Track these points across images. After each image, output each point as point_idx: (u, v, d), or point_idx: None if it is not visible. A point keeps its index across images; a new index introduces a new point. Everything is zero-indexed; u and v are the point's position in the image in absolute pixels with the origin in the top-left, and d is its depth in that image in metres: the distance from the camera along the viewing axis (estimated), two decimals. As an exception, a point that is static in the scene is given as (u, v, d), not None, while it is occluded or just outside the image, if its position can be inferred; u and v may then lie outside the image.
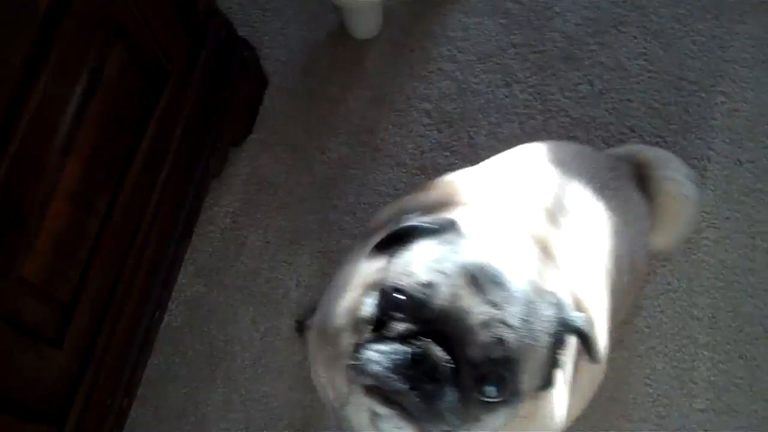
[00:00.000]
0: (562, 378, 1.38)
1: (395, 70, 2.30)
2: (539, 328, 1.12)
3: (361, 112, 2.28)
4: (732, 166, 2.22)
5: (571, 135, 2.24)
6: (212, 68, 2.05)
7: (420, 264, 1.12)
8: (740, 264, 2.16)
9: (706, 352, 2.12)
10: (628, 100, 2.26)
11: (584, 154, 1.68)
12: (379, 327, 1.12)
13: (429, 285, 1.08)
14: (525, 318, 1.09)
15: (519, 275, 1.14)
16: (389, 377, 1.07)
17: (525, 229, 1.39)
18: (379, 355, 1.08)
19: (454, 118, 2.27)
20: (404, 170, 2.24)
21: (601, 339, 1.48)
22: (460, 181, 1.57)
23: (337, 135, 2.27)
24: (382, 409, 1.12)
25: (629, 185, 1.71)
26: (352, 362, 1.12)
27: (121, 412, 2.04)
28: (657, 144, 2.23)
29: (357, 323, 1.21)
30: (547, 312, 1.14)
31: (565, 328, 1.16)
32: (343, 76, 2.31)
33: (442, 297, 1.07)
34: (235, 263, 2.21)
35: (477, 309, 1.06)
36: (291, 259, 2.21)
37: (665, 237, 1.84)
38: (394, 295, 1.10)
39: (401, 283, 1.10)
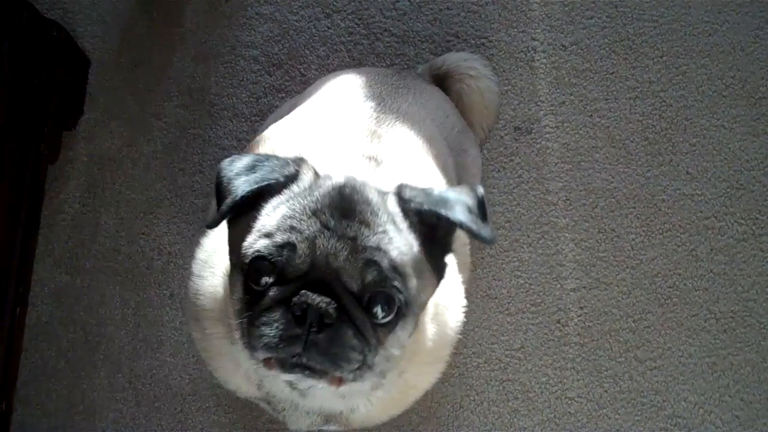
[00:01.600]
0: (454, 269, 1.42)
1: (214, 23, 2.30)
2: (402, 232, 1.16)
3: (189, 72, 2.26)
4: (557, 52, 2.27)
5: (399, 53, 2.26)
6: (21, 54, 2.00)
7: (274, 225, 1.13)
8: (583, 144, 2.22)
9: (567, 234, 2.17)
10: (447, 8, 2.29)
11: (372, 72, 1.74)
12: (253, 299, 1.13)
13: (286, 245, 1.10)
14: (382, 232, 1.13)
15: (365, 194, 1.16)
16: (280, 346, 1.10)
17: (353, 151, 1.43)
18: (263, 328, 1.11)
19: (282, 59, 2.27)
20: (243, 120, 2.24)
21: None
22: (278, 133, 1.57)
23: (169, 99, 2.26)
24: (287, 377, 1.17)
25: (420, 82, 1.80)
26: (244, 342, 1.14)
27: (2, 415, 2.01)
28: (482, 45, 2.26)
29: (230, 304, 1.21)
30: (399, 212, 1.17)
31: (428, 217, 1.18)
32: (163, 40, 2.29)
33: (301, 253, 1.10)
34: (92, 246, 2.19)
35: (336, 248, 1.09)
36: (147, 230, 2.19)
37: (479, 124, 1.97)
38: (257, 262, 1.12)
39: (260, 249, 1.11)
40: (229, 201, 1.15)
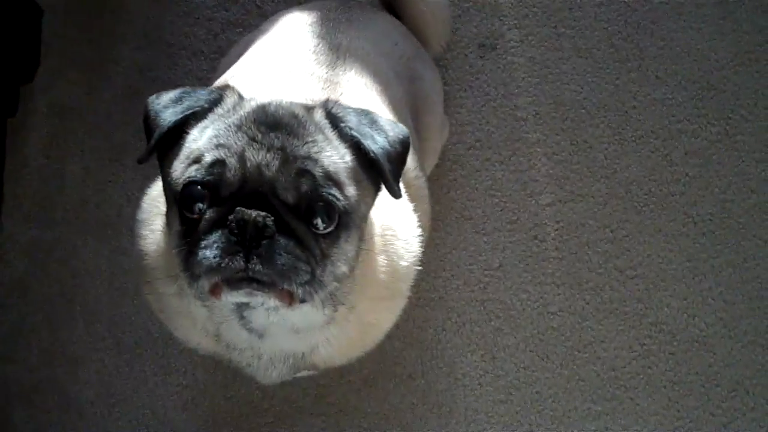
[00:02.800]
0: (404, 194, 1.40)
1: (165, -38, 2.25)
2: (331, 142, 1.16)
3: (144, 12, 2.24)
4: (518, -36, 2.23)
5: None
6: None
7: (201, 147, 1.13)
8: (549, 56, 2.20)
9: (539, 149, 2.16)
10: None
11: (316, 7, 1.70)
12: (190, 228, 1.12)
13: (216, 163, 1.10)
14: (312, 141, 1.13)
15: (290, 108, 1.17)
16: (222, 263, 1.08)
17: (308, 98, 1.40)
18: (203, 251, 1.09)
19: (239, -7, 2.24)
20: (202, 58, 2.23)
21: None
22: (233, 81, 1.54)
23: (126, 42, 2.24)
24: (236, 296, 1.14)
25: (366, 11, 1.78)
26: (186, 277, 1.12)
27: (-18, 372, 2.01)
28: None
29: (170, 243, 1.20)
30: (327, 123, 1.18)
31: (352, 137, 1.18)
32: (115, -18, 2.26)
33: (231, 167, 1.09)
34: (60, 198, 2.18)
35: (267, 159, 1.09)
36: (115, 177, 2.18)
37: (435, 41, 1.96)
38: (189, 188, 1.11)
39: (190, 174, 1.10)
40: (156, 134, 1.16)
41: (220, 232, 1.08)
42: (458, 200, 2.14)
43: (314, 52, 1.54)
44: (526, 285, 2.11)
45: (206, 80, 2.14)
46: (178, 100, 1.19)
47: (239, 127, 1.12)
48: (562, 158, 2.15)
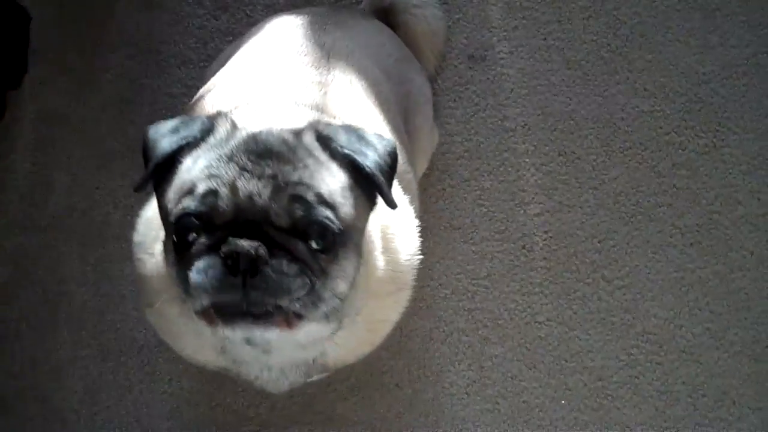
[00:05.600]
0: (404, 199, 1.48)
1: (156, -30, 2.31)
2: (323, 163, 1.20)
3: (133, 21, 2.30)
4: (508, -24, 2.30)
5: (347, -12, 2.28)
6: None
7: (194, 178, 1.17)
8: (538, 67, 2.26)
9: (527, 159, 2.22)
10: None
11: (304, 13, 1.76)
12: (185, 254, 1.16)
13: (208, 193, 1.14)
14: (303, 167, 1.17)
15: (280, 135, 1.21)
16: (218, 296, 1.13)
17: (297, 101, 1.47)
18: (194, 275, 1.14)
19: (228, 2, 2.31)
20: (191, 66, 2.28)
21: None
22: (217, 89, 1.60)
23: (115, 50, 2.29)
24: (231, 333, 1.19)
25: (354, 16, 1.87)
26: (181, 289, 1.17)
27: (-35, 377, 2.04)
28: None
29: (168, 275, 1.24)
30: (317, 145, 1.22)
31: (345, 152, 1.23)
32: (104, -10, 2.31)
33: (224, 197, 1.14)
34: (46, 205, 2.22)
35: (258, 187, 1.13)
36: (102, 184, 2.23)
37: (430, 53, 2.05)
38: (183, 220, 1.15)
39: (184, 206, 1.15)
40: (152, 164, 1.21)
41: (212, 256, 1.13)
42: (446, 210, 2.19)
43: (300, 53, 1.59)
44: (514, 294, 2.16)
45: (195, 88, 2.19)
46: (175, 130, 1.23)
47: (230, 158, 1.16)
48: (551, 169, 2.21)
